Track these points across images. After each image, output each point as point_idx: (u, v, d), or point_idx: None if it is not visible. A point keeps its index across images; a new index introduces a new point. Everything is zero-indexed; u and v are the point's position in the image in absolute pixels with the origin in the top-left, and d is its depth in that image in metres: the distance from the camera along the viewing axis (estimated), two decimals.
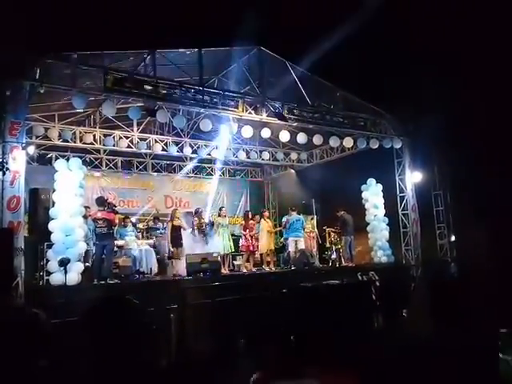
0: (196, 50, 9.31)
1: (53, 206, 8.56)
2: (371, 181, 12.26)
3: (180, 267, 9.82)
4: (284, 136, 10.64)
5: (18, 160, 7.31)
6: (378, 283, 9.37)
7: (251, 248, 11.10)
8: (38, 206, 8.76)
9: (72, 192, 8.58)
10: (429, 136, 11.08)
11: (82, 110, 9.88)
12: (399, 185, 12.29)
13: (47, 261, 8.29)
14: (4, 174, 6.94)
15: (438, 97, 9.92)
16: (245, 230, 11.28)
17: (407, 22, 10.02)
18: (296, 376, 1.48)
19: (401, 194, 12.28)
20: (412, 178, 12.12)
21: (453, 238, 11.85)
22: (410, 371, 2.23)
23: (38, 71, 7.48)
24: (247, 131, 10.13)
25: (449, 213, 11.91)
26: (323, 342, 1.70)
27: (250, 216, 11.58)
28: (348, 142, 11.49)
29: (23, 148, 7.44)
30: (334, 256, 12.30)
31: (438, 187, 12.07)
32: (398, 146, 11.87)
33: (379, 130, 11.68)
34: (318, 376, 1.46)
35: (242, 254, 11.70)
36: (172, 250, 10.01)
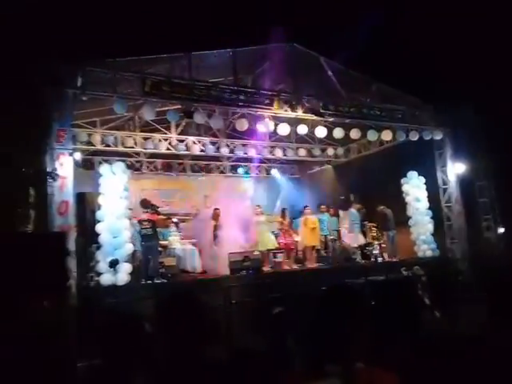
0: (230, 50, 9.39)
1: (99, 209, 8.85)
2: (412, 174, 11.99)
3: (221, 265, 9.97)
4: (320, 132, 10.58)
5: (65, 166, 7.61)
6: (423, 278, 9.23)
7: (289, 245, 11.11)
8: (86, 209, 9.11)
9: (117, 195, 8.83)
10: (471, 125, 10.76)
11: (122, 115, 10.18)
12: (441, 177, 11.98)
13: (96, 262, 8.59)
14: (54, 180, 7.24)
15: (480, 84, 9.62)
16: (281, 227, 11.31)
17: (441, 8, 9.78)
18: (328, 375, 1.47)
19: (443, 186, 11.97)
20: (454, 169, 11.80)
21: (500, 230, 11.45)
22: (459, 372, 2.19)
23: (80, 79, 7.74)
24: (283, 129, 10.12)
25: (495, 204, 11.51)
26: (368, 341, 1.69)
27: (287, 213, 11.60)
28: (386, 135, 11.28)
29: (70, 154, 7.74)
30: (375, 251, 12.12)
31: (483, 178, 11.68)
32: (438, 137, 11.57)
33: (418, 121, 11.39)
34: (361, 375, 1.46)
35: (283, 252, 11.72)
36: (214, 247, 10.17)
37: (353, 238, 11.76)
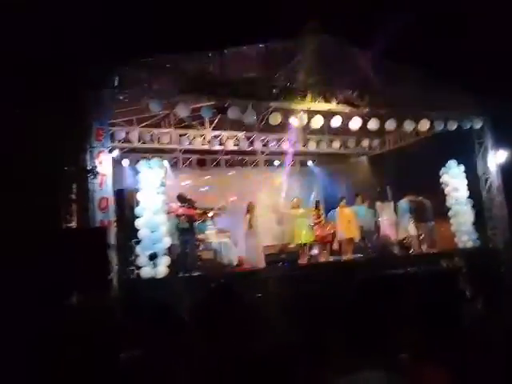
0: (263, 44, 9.39)
1: (137, 204, 9.11)
2: (451, 163, 11.69)
3: (257, 258, 10.06)
4: (355, 123, 10.44)
5: (104, 163, 7.86)
6: (464, 270, 9.00)
7: (326, 238, 11.08)
8: (125, 205, 9.38)
9: (154, 190, 9.06)
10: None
11: (158, 113, 10.37)
12: (482, 166, 11.63)
13: (136, 256, 8.85)
14: (95, 177, 7.49)
15: None
16: (317, 220, 11.28)
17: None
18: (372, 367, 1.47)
19: (484, 176, 11.62)
20: (495, 158, 11.42)
21: None
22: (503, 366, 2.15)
23: (117, 79, 7.95)
24: (317, 121, 10.06)
25: None
26: (411, 333, 1.69)
27: (320, 206, 11.55)
28: (424, 125, 11.00)
29: (109, 152, 7.98)
30: (414, 243, 11.91)
31: None
32: (478, 125, 11.22)
33: (457, 110, 11.06)
34: (405, 366, 1.46)
35: (319, 244, 11.69)
36: (250, 240, 10.27)
37: (404, 230, 11.56)
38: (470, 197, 11.66)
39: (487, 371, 2.15)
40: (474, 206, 11.58)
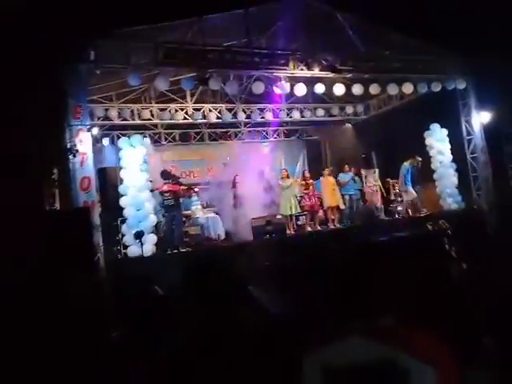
0: (240, 10, 9.10)
1: (121, 183, 8.95)
2: (435, 126, 11.69)
3: (244, 231, 10.05)
4: (339, 89, 10.31)
5: (84, 142, 7.65)
6: (450, 231, 9.12)
7: (313, 207, 11.09)
8: (108, 184, 9.22)
9: (137, 168, 8.90)
10: (496, 73, 10.29)
11: (137, 87, 10.10)
12: (466, 127, 11.64)
13: (122, 235, 8.76)
14: (74, 156, 7.30)
15: (505, 31, 9.13)
16: (305, 190, 11.26)
17: None
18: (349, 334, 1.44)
19: (468, 137, 11.65)
20: (479, 118, 11.43)
21: None
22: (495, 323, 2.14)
23: (93, 53, 7.66)
24: (300, 89, 9.89)
25: None
26: (396, 296, 1.65)
27: (309, 175, 11.52)
28: (407, 88, 10.91)
29: (88, 130, 7.76)
30: (400, 208, 12.00)
31: (508, 126, 11.27)
32: (461, 86, 11.17)
33: (440, 71, 10.96)
34: (386, 331, 1.41)
35: (306, 214, 11.71)
36: (236, 213, 10.23)
37: (406, 193, 11.52)
38: (454, 159, 11.70)
39: (473, 330, 2.15)
40: (458, 169, 11.65)
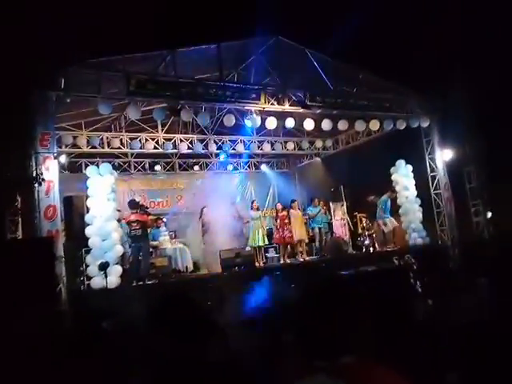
0: (214, 45, 9.28)
1: (87, 211, 8.75)
2: (400, 162, 12.04)
3: (212, 263, 9.96)
4: (308, 124, 10.54)
5: (51, 170, 7.49)
6: (415, 266, 9.27)
7: (283, 239, 11.09)
8: (73, 212, 8.97)
9: (105, 197, 8.74)
10: (458, 112, 10.79)
11: (107, 116, 10.04)
12: (429, 164, 12.03)
13: (86, 266, 8.50)
14: (40, 184, 7.12)
15: (467, 72, 9.64)
16: (276, 222, 11.29)
17: None
18: (317, 371, 1.44)
19: (432, 174, 12.03)
20: (442, 156, 11.85)
21: (489, 215, 11.54)
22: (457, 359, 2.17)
23: (63, 81, 7.60)
24: (271, 123, 10.07)
25: (483, 189, 11.58)
26: (363, 332, 1.65)
27: (281, 207, 11.59)
28: (374, 125, 11.27)
29: (55, 158, 7.61)
30: (367, 242, 12.17)
31: (470, 163, 11.73)
32: (425, 124, 11.60)
33: (405, 109, 11.39)
34: (350, 369, 1.42)
35: (275, 247, 11.72)
36: (204, 245, 10.14)
37: (386, 225, 11.69)
38: (418, 195, 12.02)
39: (435, 363, 2.16)
40: (422, 204, 11.95)
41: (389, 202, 11.73)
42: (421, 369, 2.03)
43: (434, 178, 12.00)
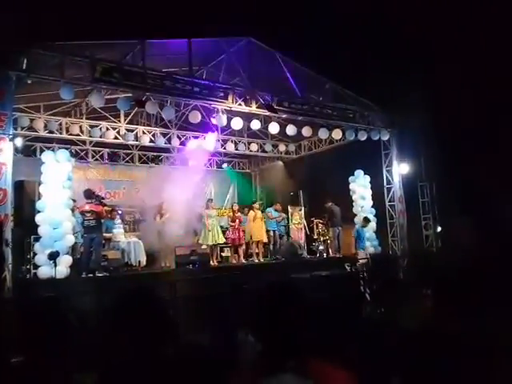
0: (185, 39, 9.18)
1: (39, 198, 8.43)
2: (359, 172, 12.34)
3: (166, 259, 9.86)
4: (273, 128, 10.62)
5: (4, 152, 7.18)
6: (365, 274, 9.53)
7: (238, 240, 11.12)
8: (24, 198, 8.64)
9: (59, 184, 8.45)
10: (415, 127, 11.18)
11: (68, 101, 9.73)
12: (386, 176, 12.40)
13: (34, 254, 8.18)
14: None
15: (425, 89, 10.01)
16: (233, 222, 11.30)
17: (394, 14, 10.07)
18: (283, 371, 1.48)
19: (388, 186, 12.40)
20: (399, 169, 12.24)
21: (438, 229, 12.02)
22: (402, 361, 2.27)
23: (25, 61, 7.31)
24: (237, 123, 10.07)
25: (434, 204, 12.06)
26: (313, 335, 1.71)
27: (238, 208, 11.63)
28: (337, 134, 11.51)
29: (10, 140, 7.29)
30: (321, 247, 12.38)
31: (425, 178, 12.19)
32: (385, 137, 11.95)
33: (367, 121, 11.71)
34: (306, 369, 1.47)
35: (230, 246, 11.73)
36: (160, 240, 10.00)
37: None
38: (374, 205, 12.36)
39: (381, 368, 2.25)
40: (377, 215, 12.30)
41: (363, 232, 11.40)
42: (366, 372, 2.10)
43: (389, 189, 12.37)
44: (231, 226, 11.30)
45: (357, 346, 2.36)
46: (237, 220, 11.19)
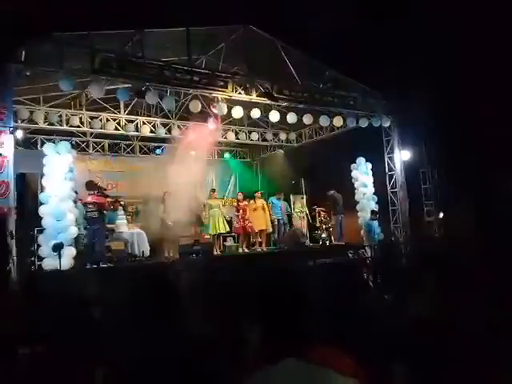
0: (184, 28, 9.11)
1: (42, 190, 8.45)
2: (360, 160, 12.32)
3: (169, 249, 9.90)
4: (274, 116, 10.58)
5: (6, 145, 7.19)
6: (368, 261, 9.57)
7: (245, 229, 11.15)
8: (27, 190, 8.64)
9: (61, 176, 8.47)
10: (417, 113, 11.12)
11: (68, 92, 9.71)
12: (388, 163, 12.38)
13: (38, 246, 8.23)
14: None
15: (427, 75, 9.94)
16: (237, 212, 11.32)
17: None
18: (287, 357, 1.51)
19: (389, 173, 12.38)
20: (400, 156, 12.21)
21: (441, 215, 12.03)
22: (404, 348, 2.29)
23: (24, 53, 7.28)
24: (237, 112, 10.04)
25: (436, 190, 12.05)
26: (316, 322, 1.72)
27: (242, 197, 11.63)
28: (338, 121, 11.46)
29: (11, 132, 7.30)
30: (324, 235, 12.41)
31: (426, 165, 12.16)
32: (386, 124, 11.90)
33: (368, 108, 11.64)
34: (309, 355, 1.49)
35: (234, 236, 11.77)
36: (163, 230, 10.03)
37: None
38: (376, 192, 12.36)
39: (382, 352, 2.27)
40: (379, 201, 12.30)
41: (374, 224, 11.46)
42: (369, 358, 2.12)
43: (391, 176, 12.35)
44: (237, 215, 11.31)
45: (360, 333, 2.38)
46: (241, 210, 11.20)
